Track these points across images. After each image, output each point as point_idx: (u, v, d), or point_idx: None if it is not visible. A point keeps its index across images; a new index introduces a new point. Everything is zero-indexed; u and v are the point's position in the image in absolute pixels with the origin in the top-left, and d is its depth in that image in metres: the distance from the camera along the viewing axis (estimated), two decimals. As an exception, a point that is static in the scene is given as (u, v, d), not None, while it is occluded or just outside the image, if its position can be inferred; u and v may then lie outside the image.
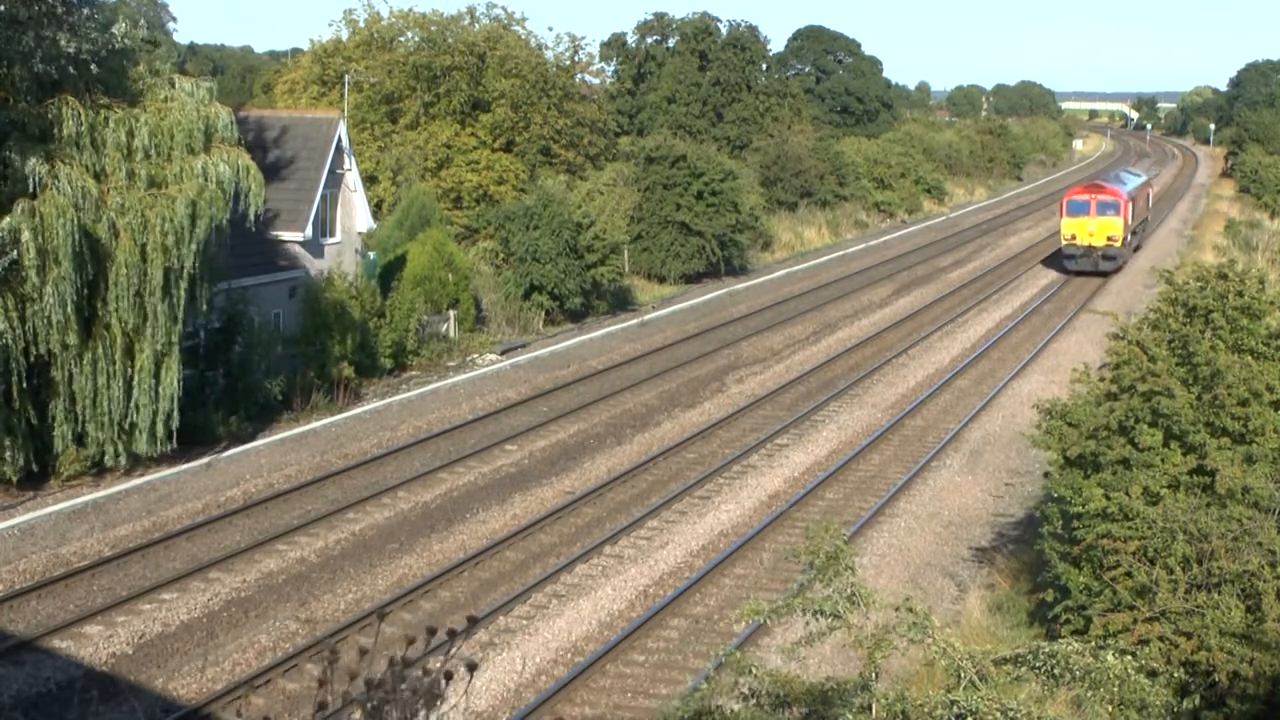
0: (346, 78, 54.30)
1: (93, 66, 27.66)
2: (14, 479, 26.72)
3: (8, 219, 25.90)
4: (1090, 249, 61.94)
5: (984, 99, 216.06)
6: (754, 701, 11.42)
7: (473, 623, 5.90)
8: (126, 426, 27.43)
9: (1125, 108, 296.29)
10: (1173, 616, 16.90)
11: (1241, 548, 16.99)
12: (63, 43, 26.81)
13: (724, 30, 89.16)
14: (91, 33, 27.51)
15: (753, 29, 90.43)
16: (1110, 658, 10.78)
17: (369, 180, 50.94)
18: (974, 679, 10.54)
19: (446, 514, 27.21)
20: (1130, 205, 63.58)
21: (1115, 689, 10.70)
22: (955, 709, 9.96)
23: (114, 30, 28.25)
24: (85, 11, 27.86)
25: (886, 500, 28.45)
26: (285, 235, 37.40)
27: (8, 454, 26.47)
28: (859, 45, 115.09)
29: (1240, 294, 20.92)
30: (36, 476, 27.29)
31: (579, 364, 41.80)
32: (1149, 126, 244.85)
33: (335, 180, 39.45)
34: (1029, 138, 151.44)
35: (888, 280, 61.95)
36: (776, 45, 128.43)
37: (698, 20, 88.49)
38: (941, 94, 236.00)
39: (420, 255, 42.64)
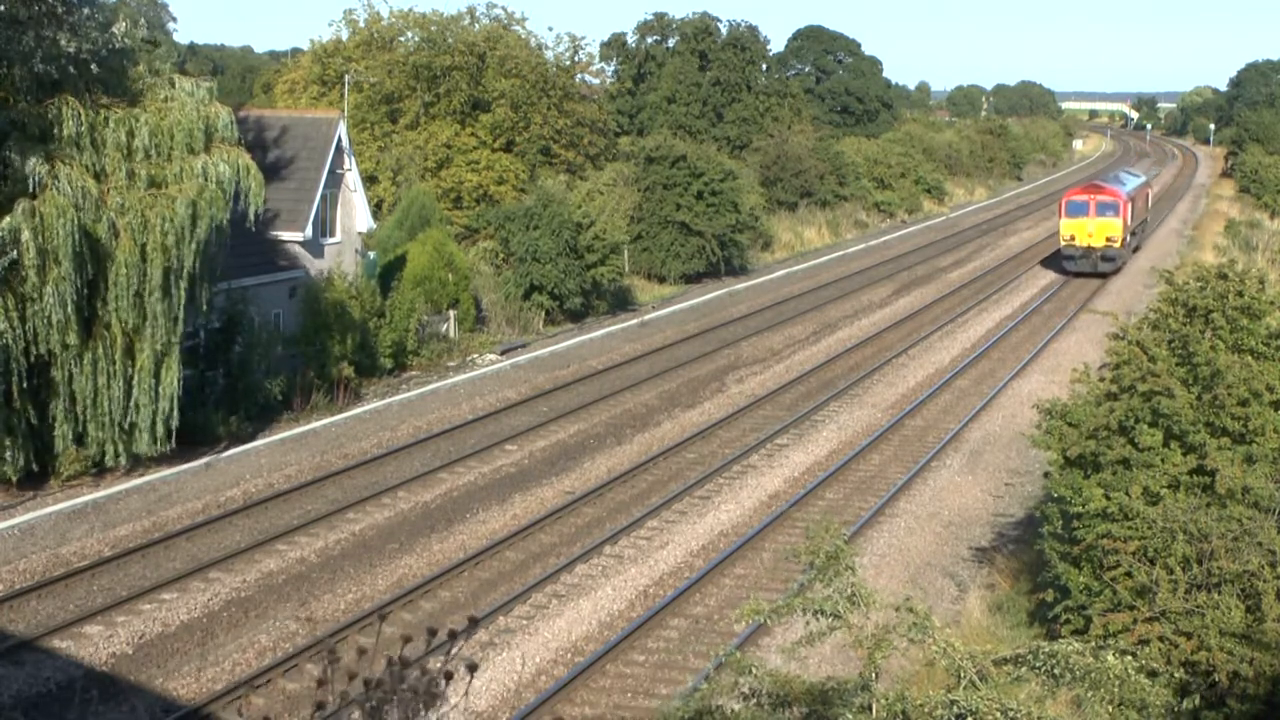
0: (346, 78, 54.30)
1: (93, 66, 27.64)
2: (14, 479, 26.72)
3: (8, 219, 25.89)
4: (1089, 250, 61.83)
5: (984, 99, 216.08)
6: (754, 701, 11.43)
7: (473, 623, 5.89)
8: (126, 426, 27.43)
9: (1125, 108, 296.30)
10: (1173, 616, 16.90)
11: (1241, 548, 16.99)
12: (63, 42, 26.80)
13: (724, 30, 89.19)
14: (91, 33, 27.50)
15: (753, 29, 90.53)
16: (1110, 658, 10.79)
17: (369, 180, 50.94)
18: (974, 679, 10.54)
19: (446, 514, 27.21)
20: (1129, 206, 63.48)
21: (1115, 689, 10.71)
22: (955, 709, 9.97)
23: (114, 30, 28.24)
24: (85, 11, 27.85)
25: (886, 500, 28.44)
26: (285, 235, 37.41)
27: (8, 454, 26.47)
28: (859, 45, 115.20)
29: (1240, 294, 20.92)
30: (36, 476, 27.29)
31: (579, 364, 41.80)
32: (1149, 126, 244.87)
33: (335, 180, 39.46)
34: (1029, 138, 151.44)
35: (888, 280, 61.94)
36: (776, 45, 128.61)
37: (698, 20, 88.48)
38: (941, 94, 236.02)
39: (420, 255, 42.64)
